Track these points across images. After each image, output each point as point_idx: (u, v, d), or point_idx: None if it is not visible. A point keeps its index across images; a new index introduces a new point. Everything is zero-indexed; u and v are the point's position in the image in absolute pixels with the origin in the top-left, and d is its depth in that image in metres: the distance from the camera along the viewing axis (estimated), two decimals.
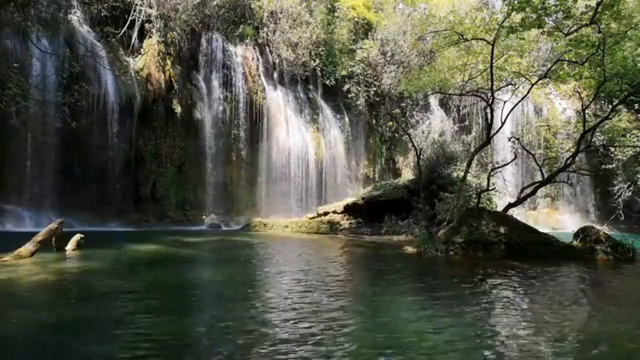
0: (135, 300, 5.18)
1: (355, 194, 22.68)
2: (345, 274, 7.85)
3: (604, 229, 11.47)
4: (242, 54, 22.78)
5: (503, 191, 14.94)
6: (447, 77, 15.57)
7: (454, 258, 9.73)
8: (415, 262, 9.24)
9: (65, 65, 16.00)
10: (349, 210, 18.21)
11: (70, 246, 8.94)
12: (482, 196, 14.28)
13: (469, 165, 13.37)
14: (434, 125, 24.65)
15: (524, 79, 13.99)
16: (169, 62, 20.20)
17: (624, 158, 19.71)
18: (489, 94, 12.97)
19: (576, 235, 10.68)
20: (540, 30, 11.69)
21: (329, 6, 26.50)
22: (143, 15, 19.21)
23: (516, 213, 15.64)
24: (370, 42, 25.86)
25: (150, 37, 19.76)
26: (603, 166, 20.82)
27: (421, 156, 14.33)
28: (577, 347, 3.86)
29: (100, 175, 17.11)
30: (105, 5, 18.48)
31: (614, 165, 20.68)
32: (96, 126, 17.08)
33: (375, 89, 25.78)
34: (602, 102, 19.29)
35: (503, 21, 11.55)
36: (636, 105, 20.25)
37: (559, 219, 25.60)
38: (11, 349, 3.52)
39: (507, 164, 14.71)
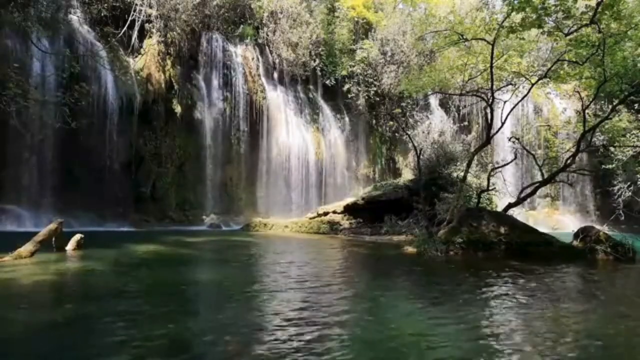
0: (135, 301, 5.18)
1: (355, 194, 22.70)
2: (345, 274, 7.85)
3: (604, 229, 11.45)
4: (242, 54, 22.79)
5: (503, 191, 14.94)
6: (447, 77, 15.56)
7: (454, 258, 9.73)
8: (416, 262, 9.24)
9: (65, 65, 15.99)
10: (349, 210, 18.21)
11: (70, 246, 8.94)
12: (482, 196, 14.29)
13: (469, 165, 13.37)
14: (434, 125, 24.63)
15: (524, 79, 13.99)
16: (169, 62, 20.21)
17: (624, 158, 19.69)
18: (489, 94, 12.97)
19: (576, 235, 10.68)
20: (540, 30, 11.69)
21: (329, 6, 26.52)
22: (143, 15, 19.22)
23: (516, 213, 15.64)
24: (370, 42, 25.87)
25: (150, 37, 19.77)
26: (603, 166, 20.81)
27: (421, 156, 14.32)
28: (578, 346, 3.86)
29: (100, 175, 17.10)
30: (105, 5, 18.49)
31: (614, 165, 20.66)
32: (96, 126, 17.08)
33: (375, 89, 25.79)
34: (602, 102, 19.30)
35: (503, 21, 11.55)
36: (636, 105, 20.25)
37: (559, 219, 25.60)
38: (11, 349, 3.52)
39: (507, 164, 14.70)
